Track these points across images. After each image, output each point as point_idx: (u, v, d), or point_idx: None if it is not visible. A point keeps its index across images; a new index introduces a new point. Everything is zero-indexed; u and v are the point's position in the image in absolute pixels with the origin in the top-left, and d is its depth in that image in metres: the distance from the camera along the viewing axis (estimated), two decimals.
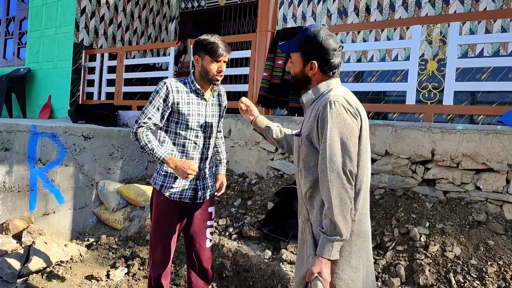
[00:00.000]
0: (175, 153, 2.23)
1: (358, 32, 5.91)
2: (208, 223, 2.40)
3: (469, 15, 3.75)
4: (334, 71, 1.66)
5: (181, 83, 2.22)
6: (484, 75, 4.78)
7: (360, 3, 5.97)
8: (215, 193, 2.48)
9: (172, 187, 2.25)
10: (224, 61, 2.20)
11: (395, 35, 5.60)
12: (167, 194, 2.24)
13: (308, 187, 1.63)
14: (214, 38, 2.16)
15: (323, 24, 1.72)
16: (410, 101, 3.66)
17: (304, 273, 1.59)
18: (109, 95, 6.28)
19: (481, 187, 3.03)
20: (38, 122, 4.75)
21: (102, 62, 6.30)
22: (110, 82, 6.24)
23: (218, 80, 2.23)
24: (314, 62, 1.64)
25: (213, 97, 2.33)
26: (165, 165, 2.20)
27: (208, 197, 2.38)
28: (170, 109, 2.17)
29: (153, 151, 2.10)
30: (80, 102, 6.35)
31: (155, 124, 2.17)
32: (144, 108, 2.17)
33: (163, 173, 2.25)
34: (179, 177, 2.21)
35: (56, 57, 6.55)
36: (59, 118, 6.34)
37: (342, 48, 1.71)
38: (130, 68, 6.27)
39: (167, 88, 2.15)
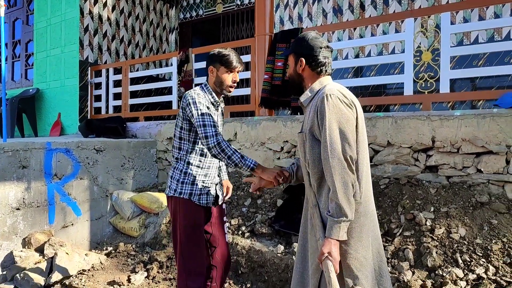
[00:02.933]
0: (194, 162, 2.32)
1: (354, 29, 6.03)
2: (225, 218, 2.58)
3: (459, 5, 3.84)
4: (321, 68, 1.83)
5: (203, 95, 2.30)
6: (480, 61, 4.86)
7: (354, 0, 6.09)
8: (224, 198, 2.57)
9: (201, 193, 2.33)
10: (237, 72, 2.34)
11: (391, 29, 5.70)
12: (196, 200, 2.32)
13: (316, 178, 1.76)
14: (229, 51, 2.31)
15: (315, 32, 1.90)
16: (408, 92, 3.77)
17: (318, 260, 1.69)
18: (117, 108, 6.46)
19: (482, 169, 3.12)
20: (51, 139, 4.93)
21: (107, 77, 6.49)
22: (117, 96, 6.42)
23: (230, 92, 2.36)
24: (302, 59, 1.82)
25: (221, 108, 2.46)
26: (190, 174, 2.30)
27: (223, 198, 2.57)
28: None
29: (242, 158, 2.09)
30: (89, 117, 6.53)
31: (218, 127, 2.23)
32: (200, 121, 2.14)
33: (190, 181, 2.31)
34: (205, 184, 2.34)
35: (63, 76, 6.76)
36: (70, 134, 6.53)
37: (332, 50, 1.87)
38: (134, 81, 6.44)
39: (203, 100, 2.23)
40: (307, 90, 1.84)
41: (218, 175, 2.49)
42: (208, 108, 2.22)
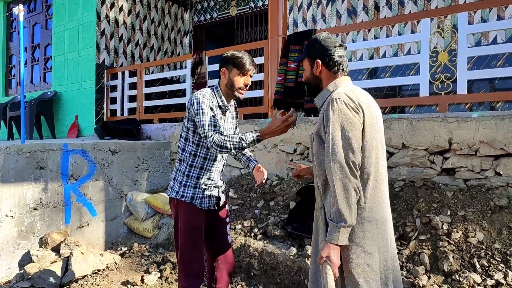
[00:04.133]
0: (197, 164, 2.31)
1: (369, 30, 5.97)
2: (227, 220, 2.55)
3: (476, 4, 3.76)
4: (338, 67, 1.80)
5: (212, 97, 2.28)
6: (499, 62, 4.75)
7: (368, 1, 6.03)
8: (262, 181, 2.43)
9: (202, 197, 2.33)
10: (250, 75, 2.30)
11: (406, 30, 5.63)
12: (197, 204, 2.32)
13: (321, 180, 1.74)
14: (242, 53, 2.28)
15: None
16: (423, 93, 3.70)
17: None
18: (132, 111, 6.55)
19: (501, 172, 3.04)
20: (68, 141, 5.03)
21: (123, 79, 6.59)
22: (132, 98, 6.51)
23: (242, 94, 2.32)
24: (318, 60, 1.81)
25: (230, 112, 2.43)
26: (193, 176, 2.30)
27: (226, 200, 2.56)
28: None
29: (243, 139, 2.05)
30: (105, 119, 6.64)
31: (220, 128, 2.17)
32: (201, 121, 2.13)
33: (192, 184, 2.31)
34: (207, 187, 2.34)
35: (80, 79, 6.89)
36: (86, 136, 6.65)
37: (346, 48, 1.85)
38: (149, 83, 6.52)
39: (208, 100, 2.21)
40: (322, 91, 1.83)
41: (220, 178, 2.47)
42: (211, 109, 2.19)
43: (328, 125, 1.64)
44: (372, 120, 1.69)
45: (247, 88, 2.32)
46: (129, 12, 7.25)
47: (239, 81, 2.26)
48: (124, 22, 7.16)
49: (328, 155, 1.62)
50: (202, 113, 2.15)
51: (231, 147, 2.06)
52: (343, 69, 1.82)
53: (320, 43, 1.80)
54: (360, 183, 1.64)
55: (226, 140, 2.07)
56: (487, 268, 2.52)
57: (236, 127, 2.53)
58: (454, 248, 2.71)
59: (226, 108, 2.35)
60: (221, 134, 2.12)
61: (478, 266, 2.54)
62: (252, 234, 3.61)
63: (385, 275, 1.68)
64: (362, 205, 1.65)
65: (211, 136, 2.09)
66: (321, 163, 1.72)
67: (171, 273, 3.56)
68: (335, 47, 1.79)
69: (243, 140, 2.06)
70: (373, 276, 1.64)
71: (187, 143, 2.32)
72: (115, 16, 6.95)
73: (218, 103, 2.30)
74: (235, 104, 2.52)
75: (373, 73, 5.90)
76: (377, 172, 1.69)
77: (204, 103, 2.17)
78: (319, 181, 1.76)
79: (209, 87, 2.40)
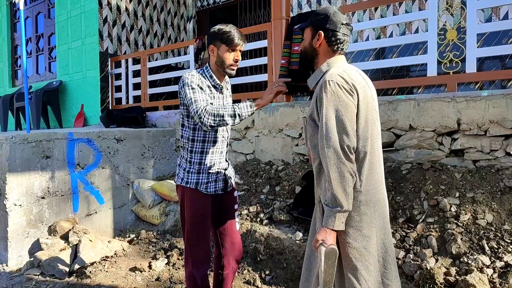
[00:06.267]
0: (197, 149, 2.25)
1: (375, 9, 5.81)
2: (235, 206, 2.50)
3: None
4: (339, 45, 1.73)
5: (202, 78, 2.20)
6: (511, 39, 4.59)
7: None
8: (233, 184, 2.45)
9: (207, 182, 2.28)
10: (240, 50, 2.21)
11: (414, 8, 5.46)
12: (203, 189, 2.27)
13: (316, 163, 1.70)
14: (230, 27, 2.17)
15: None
16: (431, 73, 3.60)
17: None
18: (136, 98, 6.53)
19: (511, 152, 2.96)
20: (73, 130, 5.04)
21: (127, 67, 6.55)
22: (136, 86, 6.48)
23: (233, 70, 2.23)
24: (321, 32, 1.72)
25: (226, 89, 2.37)
26: (195, 162, 2.25)
27: (234, 184, 2.49)
28: None
29: (237, 106, 1.99)
30: (110, 108, 6.64)
31: (212, 104, 2.08)
32: (191, 98, 2.05)
33: (195, 170, 2.26)
34: (211, 171, 2.28)
35: (84, 68, 6.87)
36: (93, 125, 6.67)
37: (352, 29, 1.78)
38: (153, 71, 6.48)
39: (198, 80, 2.14)
40: (315, 71, 1.77)
41: (226, 160, 2.40)
42: (201, 88, 2.12)
43: (322, 109, 1.58)
44: (367, 101, 1.64)
45: (238, 63, 2.22)
46: None
47: (229, 57, 2.17)
48: (126, 9, 7.08)
49: (322, 140, 1.57)
50: (192, 91, 2.07)
51: (224, 113, 1.98)
52: (342, 49, 1.75)
53: (327, 15, 1.72)
54: (356, 166, 1.60)
55: (219, 109, 1.99)
56: (496, 250, 2.47)
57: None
58: (463, 230, 2.66)
59: (221, 86, 2.27)
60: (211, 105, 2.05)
61: (487, 248, 2.49)
62: (258, 219, 3.59)
63: (383, 257, 1.66)
64: (358, 188, 1.61)
65: (203, 107, 2.01)
66: (316, 147, 1.67)
67: (178, 259, 3.58)
68: (342, 24, 1.72)
69: (236, 107, 2.00)
70: (371, 260, 1.62)
71: (184, 129, 2.27)
72: (117, 3, 6.87)
73: (210, 83, 2.23)
74: (230, 83, 2.43)
75: (380, 54, 5.76)
76: (372, 154, 1.65)
77: (193, 82, 2.10)
78: (314, 165, 1.71)
79: (196, 69, 2.31)
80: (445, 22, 4.16)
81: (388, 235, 1.71)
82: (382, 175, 1.72)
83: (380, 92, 5.46)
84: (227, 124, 2.02)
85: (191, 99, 2.06)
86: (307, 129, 1.75)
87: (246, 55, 6.24)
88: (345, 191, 1.54)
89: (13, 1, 4.56)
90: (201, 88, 2.12)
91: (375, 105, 1.71)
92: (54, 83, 7.16)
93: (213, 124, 2.00)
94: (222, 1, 7.97)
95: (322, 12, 1.75)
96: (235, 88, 6.17)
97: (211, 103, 2.08)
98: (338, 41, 1.72)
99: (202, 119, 2.00)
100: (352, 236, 1.62)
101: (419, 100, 3.41)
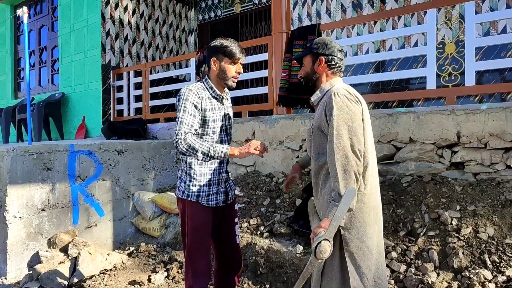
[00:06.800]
0: (196, 161, 2.26)
1: (375, 23, 5.87)
2: (236, 220, 2.49)
3: None
4: (337, 68, 1.98)
5: (201, 90, 2.23)
6: (509, 52, 4.63)
7: None
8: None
9: (208, 194, 2.28)
10: (241, 63, 2.27)
11: (413, 21, 5.52)
12: (204, 202, 2.27)
13: (319, 171, 1.86)
14: (231, 41, 2.24)
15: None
16: (430, 85, 3.62)
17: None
18: (138, 110, 6.56)
19: (511, 165, 2.96)
20: (74, 142, 5.05)
21: (128, 80, 6.61)
22: (138, 98, 6.52)
23: (235, 82, 2.28)
24: (322, 57, 1.96)
25: (227, 100, 2.40)
26: (195, 174, 2.26)
27: (234, 196, 2.49)
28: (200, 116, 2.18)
29: (213, 147, 2.03)
30: (111, 120, 6.67)
31: (196, 130, 2.13)
32: (179, 118, 2.10)
33: (196, 183, 2.26)
34: (212, 184, 2.29)
35: (86, 80, 6.93)
36: (94, 137, 6.69)
37: (345, 54, 1.99)
38: (155, 83, 6.52)
39: (195, 95, 2.16)
40: (318, 90, 1.97)
41: (226, 171, 2.40)
42: (195, 106, 2.14)
43: (332, 117, 1.73)
44: (367, 113, 1.84)
45: (239, 75, 2.29)
46: (134, 12, 7.26)
47: (231, 69, 2.24)
48: (129, 22, 7.17)
49: (332, 144, 1.71)
50: (184, 110, 2.11)
51: (198, 149, 2.02)
52: (339, 72, 1.99)
53: (326, 43, 1.97)
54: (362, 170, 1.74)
55: (196, 142, 2.04)
56: (498, 264, 2.45)
57: (230, 118, 2.44)
58: (464, 244, 2.65)
59: (221, 97, 2.30)
60: (194, 136, 2.09)
61: (488, 262, 2.47)
62: (259, 232, 3.58)
63: (377, 258, 1.80)
64: (363, 191, 1.76)
65: (185, 134, 2.05)
66: (321, 155, 1.84)
67: (178, 272, 3.55)
68: (338, 50, 1.98)
69: (211, 147, 2.04)
70: (371, 258, 1.76)
71: None
72: (119, 16, 6.97)
73: (210, 94, 2.26)
74: (229, 95, 2.47)
75: (380, 66, 5.81)
76: (373, 161, 1.83)
77: (188, 101, 2.13)
78: (316, 174, 1.88)
79: (197, 81, 2.36)
80: (444, 35, 4.20)
81: (381, 238, 1.87)
82: (378, 183, 1.89)
83: (380, 105, 5.48)
84: (197, 158, 2.08)
85: (178, 117, 2.11)
86: (312, 139, 1.91)
87: (247, 67, 6.29)
88: None
89: (17, 15, 4.63)
90: (195, 106, 2.14)
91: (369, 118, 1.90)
92: (57, 95, 7.21)
93: (184, 153, 2.06)
94: (223, 14, 8.07)
95: (320, 41, 1.99)
96: (236, 101, 6.22)
97: (195, 130, 2.13)
98: (336, 65, 1.96)
99: (177, 144, 2.05)
100: (357, 236, 1.74)
101: (419, 113, 3.42)
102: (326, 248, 1.54)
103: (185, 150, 2.04)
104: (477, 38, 3.48)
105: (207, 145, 2.04)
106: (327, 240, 1.55)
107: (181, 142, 2.03)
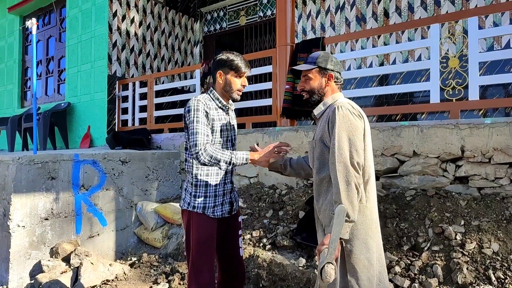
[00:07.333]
0: (202, 172, 2.28)
1: (379, 37, 5.92)
2: (240, 232, 2.49)
3: (487, 9, 3.69)
4: (340, 84, 2.07)
5: (208, 100, 2.27)
6: None
7: (377, 8, 6.00)
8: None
9: (214, 205, 2.29)
10: (246, 77, 2.32)
11: (416, 36, 5.56)
12: (210, 213, 2.28)
13: (321, 181, 1.89)
14: (237, 55, 2.28)
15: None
16: (434, 99, 3.63)
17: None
18: (142, 121, 6.61)
19: None
20: (79, 151, 5.08)
21: (134, 90, 6.67)
22: (143, 108, 6.58)
23: (239, 96, 2.32)
24: (332, 74, 2.01)
25: (232, 111, 2.44)
26: (201, 185, 2.27)
27: (238, 207, 2.49)
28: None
29: (234, 155, 2.08)
30: (116, 130, 6.71)
31: (211, 140, 2.17)
32: (194, 129, 2.12)
33: (202, 194, 2.28)
34: (218, 194, 2.31)
35: (92, 90, 7.00)
36: (99, 146, 6.73)
37: (349, 67, 2.04)
38: (160, 93, 6.58)
39: (204, 105, 2.20)
40: (320, 104, 2.02)
41: (231, 181, 2.41)
42: (207, 116, 2.18)
43: (334, 129, 1.78)
44: (368, 129, 1.89)
45: (244, 89, 2.34)
46: (140, 23, 7.37)
47: (237, 83, 2.28)
48: (135, 34, 7.27)
49: (334, 155, 1.75)
50: (197, 121, 2.14)
51: (221, 158, 2.07)
52: (341, 86, 2.08)
53: (332, 59, 2.02)
54: (362, 183, 1.79)
55: (218, 152, 2.08)
56: (503, 280, 2.42)
57: (234, 128, 2.47)
58: (468, 259, 2.62)
59: (227, 107, 2.34)
60: (213, 145, 2.13)
61: (493, 278, 2.44)
62: (261, 244, 3.56)
63: (379, 271, 1.81)
64: (365, 204, 1.80)
65: (203, 144, 2.09)
66: (322, 166, 1.89)
67: (179, 283, 3.53)
68: (340, 68, 2.06)
69: (233, 155, 2.09)
70: (372, 271, 1.77)
71: (188, 152, 2.29)
72: (126, 28, 7.07)
73: (216, 104, 2.29)
74: (233, 106, 2.49)
75: (384, 80, 5.83)
76: (373, 175, 1.87)
77: (199, 111, 2.16)
78: (318, 185, 1.91)
79: (202, 92, 2.39)
80: (447, 50, 4.23)
81: (382, 251, 1.90)
82: (376, 197, 1.95)
83: (384, 118, 5.49)
84: (219, 168, 2.12)
85: (192, 128, 2.13)
86: (315, 150, 1.95)
87: (251, 79, 6.34)
88: (352, 203, 1.69)
89: (26, 26, 4.71)
90: (206, 114, 2.18)
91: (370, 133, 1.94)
92: (62, 104, 7.28)
93: (206, 163, 2.10)
94: (228, 26, 8.17)
95: (327, 57, 2.03)
96: (240, 112, 6.25)
97: (211, 140, 2.17)
98: (340, 81, 2.05)
99: (198, 155, 2.08)
100: (359, 248, 1.77)
101: (422, 127, 3.43)
102: (331, 273, 1.59)
103: (207, 161, 2.08)
104: (481, 53, 3.50)
105: (228, 153, 2.10)
106: (330, 263, 1.60)
107: (202, 154, 2.07)
